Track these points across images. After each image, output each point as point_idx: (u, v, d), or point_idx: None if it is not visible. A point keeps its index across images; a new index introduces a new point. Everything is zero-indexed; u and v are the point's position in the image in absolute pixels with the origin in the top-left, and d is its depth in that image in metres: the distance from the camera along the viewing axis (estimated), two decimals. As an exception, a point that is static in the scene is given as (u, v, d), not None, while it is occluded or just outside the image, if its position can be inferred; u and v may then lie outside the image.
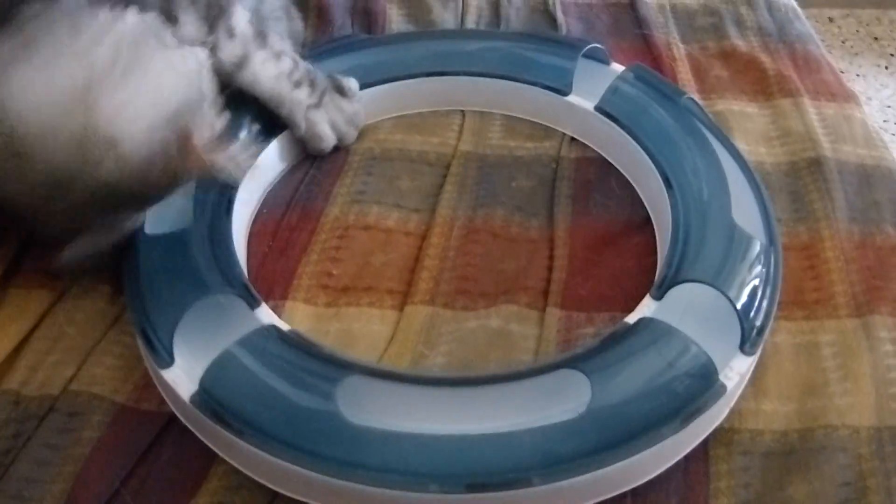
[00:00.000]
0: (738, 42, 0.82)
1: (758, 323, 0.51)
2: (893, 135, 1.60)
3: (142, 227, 0.56)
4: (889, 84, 1.71)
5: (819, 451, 0.49)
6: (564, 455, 0.44)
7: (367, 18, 0.81)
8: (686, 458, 0.48)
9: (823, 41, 1.80)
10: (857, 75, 1.73)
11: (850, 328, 0.56)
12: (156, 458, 0.48)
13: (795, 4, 0.90)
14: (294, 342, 0.50)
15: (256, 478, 0.47)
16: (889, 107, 1.67)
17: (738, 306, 0.51)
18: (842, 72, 1.77)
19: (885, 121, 1.63)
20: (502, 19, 0.83)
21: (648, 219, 0.63)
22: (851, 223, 0.63)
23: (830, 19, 1.85)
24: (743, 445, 0.49)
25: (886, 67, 1.75)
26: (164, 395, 0.51)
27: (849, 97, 0.76)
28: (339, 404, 0.46)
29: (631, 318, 0.52)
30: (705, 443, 0.49)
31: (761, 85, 0.77)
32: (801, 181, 0.67)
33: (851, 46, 1.80)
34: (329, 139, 0.67)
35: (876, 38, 1.82)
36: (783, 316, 0.56)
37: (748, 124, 0.72)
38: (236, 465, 0.48)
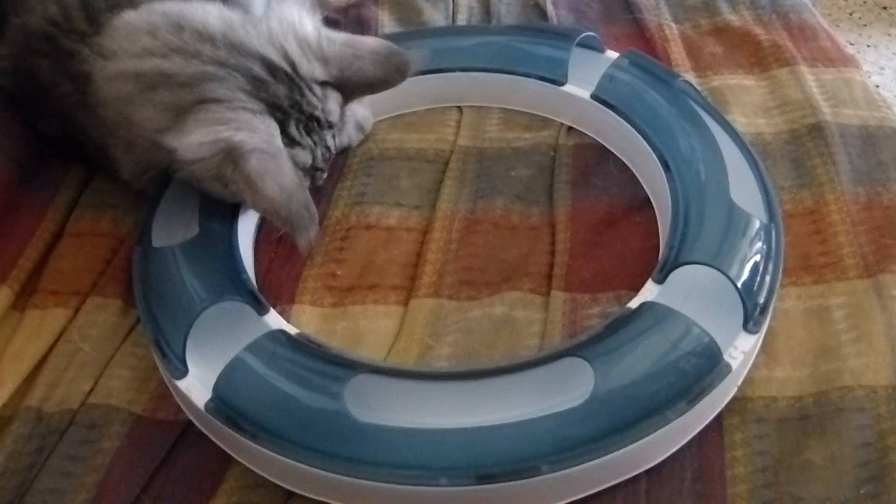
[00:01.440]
0: (731, 17, 0.82)
1: (760, 301, 0.51)
2: (908, 102, 1.57)
3: (150, 240, 0.57)
4: (901, 51, 1.68)
5: (835, 413, 0.48)
6: (571, 442, 0.44)
7: (360, 26, 0.82)
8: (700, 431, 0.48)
9: (830, 15, 1.78)
10: (868, 46, 1.70)
11: (860, 289, 0.55)
12: (174, 464, 0.49)
13: (788, -25, 0.90)
14: (302, 345, 0.51)
15: (271, 478, 0.48)
16: (903, 74, 1.64)
17: (740, 285, 0.50)
18: (851, 44, 1.74)
19: (901, 88, 1.60)
20: (493, 16, 0.84)
21: (648, 199, 0.63)
22: (857, 185, 0.62)
23: (837, -8, 1.82)
24: (757, 413, 0.49)
25: (897, 36, 1.72)
26: (179, 402, 0.52)
27: (847, 61, 0.76)
28: (348, 404, 0.46)
29: (633, 303, 0.52)
30: (718, 414, 0.49)
31: (757, 57, 0.76)
32: (802, 148, 0.66)
33: (860, 18, 1.77)
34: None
35: (885, 8, 1.79)
36: (791, 282, 0.56)
37: (746, 97, 0.72)
38: (251, 467, 0.48)
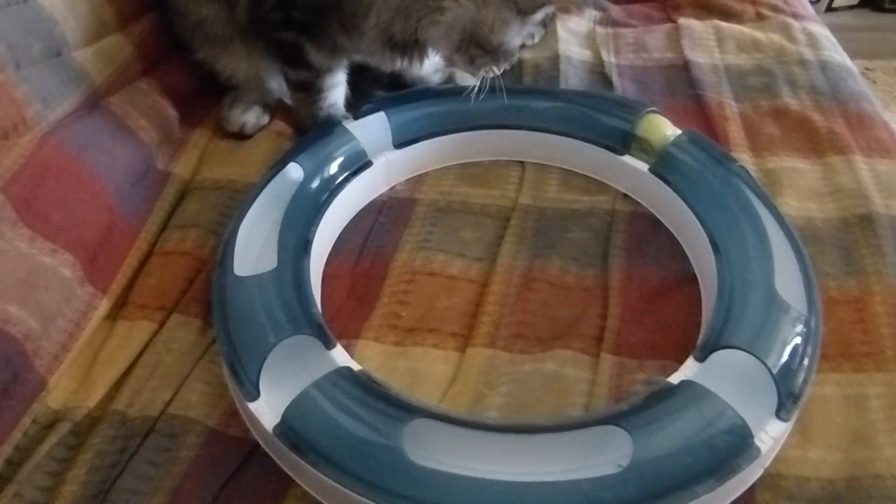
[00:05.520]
0: (791, 101, 0.85)
1: (794, 390, 0.53)
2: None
3: (231, 267, 0.62)
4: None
5: (866, 500, 0.50)
6: (606, 506, 0.47)
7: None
8: (734, 502, 0.51)
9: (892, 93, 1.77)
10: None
11: (899, 381, 0.57)
12: (241, 478, 0.53)
13: (850, 63, 0.93)
14: (365, 384, 0.54)
15: (326, 503, 0.52)
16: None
17: (775, 373, 0.53)
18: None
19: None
20: (562, 78, 0.88)
21: (695, 274, 0.66)
22: (903, 279, 0.64)
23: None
24: (789, 491, 0.51)
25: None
26: (247, 422, 0.56)
27: (903, 153, 0.78)
28: (404, 444, 0.50)
29: (674, 379, 0.55)
30: (752, 488, 0.52)
31: (813, 142, 0.79)
32: (851, 237, 0.68)
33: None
34: None
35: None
36: (831, 368, 0.58)
37: (799, 181, 0.75)
38: (309, 490, 0.52)
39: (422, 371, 0.59)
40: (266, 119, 0.83)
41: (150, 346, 0.61)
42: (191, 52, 0.83)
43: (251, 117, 0.82)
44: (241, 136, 0.82)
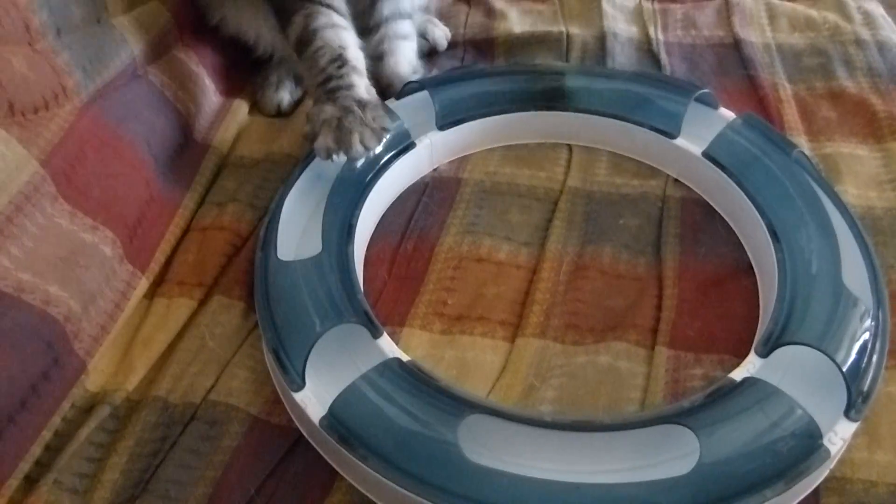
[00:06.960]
0: (847, 83, 0.81)
1: (864, 388, 0.51)
2: None
3: (275, 251, 0.60)
4: None
5: (937, 508, 0.48)
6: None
7: (478, 54, 0.84)
8: (797, 505, 0.49)
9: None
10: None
11: (970, 381, 0.55)
12: (286, 470, 0.51)
13: (908, 44, 0.89)
14: (416, 376, 0.52)
15: (374, 499, 0.50)
16: None
17: (845, 371, 0.50)
18: None
19: None
20: (608, 55, 0.85)
21: (752, 264, 0.64)
22: (971, 272, 0.62)
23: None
24: (856, 496, 0.49)
25: None
26: (290, 412, 0.54)
27: (968, 140, 0.75)
28: (460, 441, 0.48)
29: (736, 374, 0.52)
30: (816, 492, 0.50)
31: (872, 127, 0.76)
32: (915, 228, 0.66)
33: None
34: None
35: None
36: (895, 366, 0.56)
37: (858, 167, 0.72)
38: (356, 484, 0.51)
39: (470, 361, 0.57)
40: (299, 92, 0.81)
41: (192, 328, 0.59)
42: (206, 17, 0.79)
43: (285, 95, 0.79)
44: (279, 114, 0.79)
